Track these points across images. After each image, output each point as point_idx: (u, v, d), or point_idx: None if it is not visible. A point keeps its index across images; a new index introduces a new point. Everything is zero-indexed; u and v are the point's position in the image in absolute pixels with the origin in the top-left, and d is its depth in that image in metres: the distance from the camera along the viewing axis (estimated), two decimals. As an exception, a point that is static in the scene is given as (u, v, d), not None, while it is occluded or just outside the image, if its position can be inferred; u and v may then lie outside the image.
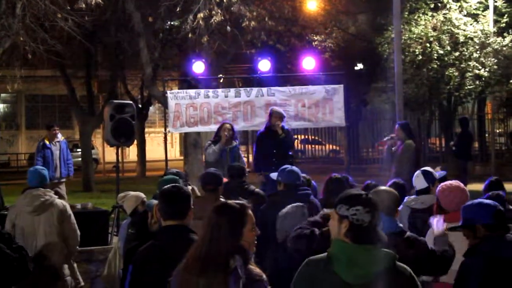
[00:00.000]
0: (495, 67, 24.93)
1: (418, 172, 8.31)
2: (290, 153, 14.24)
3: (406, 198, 8.52)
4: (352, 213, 4.34)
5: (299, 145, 40.03)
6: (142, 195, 8.66)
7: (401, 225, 6.03)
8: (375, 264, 4.24)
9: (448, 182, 6.64)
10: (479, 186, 10.08)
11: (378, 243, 4.33)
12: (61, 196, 14.55)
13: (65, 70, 27.71)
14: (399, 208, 8.40)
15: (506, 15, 25.73)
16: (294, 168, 8.68)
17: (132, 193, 8.77)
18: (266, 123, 14.38)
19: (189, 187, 8.80)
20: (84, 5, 16.94)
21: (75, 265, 9.50)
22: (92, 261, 11.62)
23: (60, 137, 17.08)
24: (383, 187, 6.20)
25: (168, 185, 5.74)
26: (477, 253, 5.25)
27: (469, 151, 21.14)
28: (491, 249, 5.16)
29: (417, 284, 4.42)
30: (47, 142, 16.78)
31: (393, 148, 13.87)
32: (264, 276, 4.52)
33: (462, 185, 6.63)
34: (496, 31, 25.45)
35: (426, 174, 8.15)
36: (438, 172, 8.77)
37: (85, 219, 11.93)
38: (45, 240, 8.86)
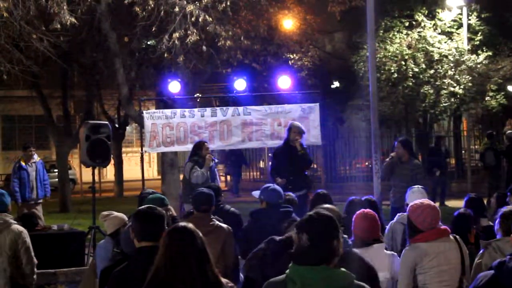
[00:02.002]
0: (470, 84, 25.14)
1: (415, 188, 8.41)
2: (306, 172, 13.91)
3: (398, 215, 8.60)
4: (296, 233, 4.40)
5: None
6: (125, 217, 8.59)
7: (349, 240, 6.08)
8: (328, 284, 4.25)
9: (418, 201, 6.65)
10: (456, 203, 10.20)
11: (327, 262, 4.31)
12: (38, 217, 14.48)
13: (41, 91, 27.57)
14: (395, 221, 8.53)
15: (480, 33, 25.98)
16: (277, 187, 8.77)
17: (115, 213, 8.70)
18: (284, 138, 13.98)
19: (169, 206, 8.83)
20: (59, 25, 16.87)
21: None
22: (68, 283, 11.56)
23: (36, 157, 17.01)
24: (325, 205, 6.24)
25: (143, 206, 5.73)
26: None
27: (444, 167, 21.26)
28: None
29: None
30: (23, 163, 16.72)
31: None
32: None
33: (432, 202, 6.66)
34: (470, 48, 25.68)
35: (423, 191, 8.30)
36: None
37: (62, 240, 11.90)
38: None
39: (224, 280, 4.64)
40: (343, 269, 4.34)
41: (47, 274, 10.90)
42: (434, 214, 6.49)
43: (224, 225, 8.30)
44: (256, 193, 8.96)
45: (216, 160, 13.88)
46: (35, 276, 8.95)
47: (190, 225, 4.71)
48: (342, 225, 5.56)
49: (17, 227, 8.81)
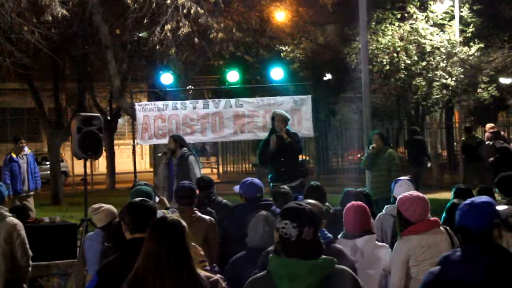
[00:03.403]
0: (462, 76, 25.14)
1: (401, 180, 8.36)
2: (300, 160, 13.63)
3: (386, 207, 8.58)
4: (281, 226, 4.37)
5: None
6: (115, 210, 8.56)
7: (329, 235, 6.07)
8: (316, 274, 4.26)
9: (407, 194, 6.64)
10: (448, 195, 10.22)
11: (315, 256, 4.31)
12: (29, 210, 14.44)
13: (32, 83, 27.49)
14: (383, 213, 8.52)
15: (472, 25, 25.96)
16: (255, 180, 8.66)
17: (105, 206, 8.66)
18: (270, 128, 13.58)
19: (157, 199, 8.81)
20: (50, 18, 16.84)
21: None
22: (60, 275, 11.52)
23: (27, 150, 16.98)
24: (308, 200, 6.24)
25: (136, 199, 5.75)
26: None
27: (419, 159, 21.31)
28: None
29: (359, 283, 4.46)
30: (14, 156, 16.68)
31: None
32: (222, 281, 4.63)
33: (421, 194, 6.65)
34: (462, 40, 25.67)
35: (408, 184, 8.24)
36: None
37: (53, 233, 11.84)
38: None
39: (207, 274, 4.62)
40: (324, 256, 4.35)
41: (39, 267, 10.84)
42: (424, 206, 6.49)
43: (207, 217, 8.27)
44: (237, 188, 8.93)
45: (184, 150, 13.62)
46: (30, 269, 8.92)
47: (172, 218, 4.70)
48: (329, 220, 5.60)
49: (12, 219, 8.72)
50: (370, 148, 13.94)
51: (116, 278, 5.25)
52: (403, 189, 7.96)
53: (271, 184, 12.83)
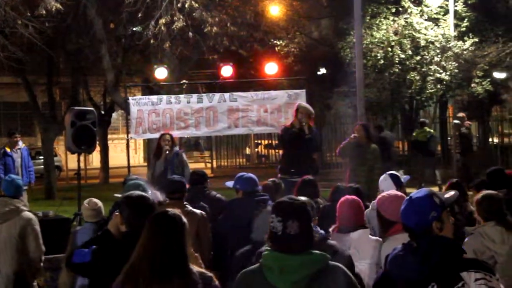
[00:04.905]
0: (456, 70, 25.14)
1: (385, 175, 8.26)
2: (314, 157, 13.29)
3: (373, 202, 8.53)
4: (270, 220, 4.39)
5: (263, 150, 40.04)
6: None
7: (321, 231, 6.04)
8: (307, 268, 4.27)
9: (386, 193, 6.57)
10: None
11: (303, 250, 4.31)
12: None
13: (26, 77, 27.44)
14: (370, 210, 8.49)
15: (466, 19, 25.96)
16: (251, 175, 8.66)
17: (93, 201, 8.69)
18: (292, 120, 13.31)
19: (149, 192, 8.78)
20: (44, 12, 16.82)
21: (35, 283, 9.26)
22: (53, 269, 11.51)
23: (21, 144, 16.95)
24: (298, 198, 6.22)
25: (134, 194, 5.69)
26: None
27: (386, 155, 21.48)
28: None
29: (352, 280, 4.47)
30: (8, 150, 16.65)
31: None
32: (215, 279, 4.59)
33: (399, 193, 6.57)
34: (456, 35, 25.67)
35: (394, 178, 8.12)
36: (403, 177, 8.75)
37: (47, 227, 11.80)
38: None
39: (201, 270, 4.60)
40: (317, 251, 4.35)
41: (32, 261, 10.85)
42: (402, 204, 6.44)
43: (198, 211, 8.25)
44: (230, 183, 8.90)
45: (176, 148, 13.62)
46: (42, 264, 8.97)
47: (174, 213, 4.66)
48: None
49: (27, 214, 8.87)
50: (352, 137, 13.49)
51: (107, 265, 5.24)
52: (389, 183, 7.93)
53: (279, 175, 12.50)
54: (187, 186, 9.00)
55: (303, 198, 6.23)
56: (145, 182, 8.83)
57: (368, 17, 25.71)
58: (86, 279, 7.87)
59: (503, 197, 7.27)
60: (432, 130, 24.87)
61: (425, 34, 25.38)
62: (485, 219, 6.99)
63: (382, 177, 8.24)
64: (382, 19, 25.90)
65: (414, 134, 23.51)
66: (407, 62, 25.32)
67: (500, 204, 6.94)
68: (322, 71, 33.03)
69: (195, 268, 4.55)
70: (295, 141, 12.76)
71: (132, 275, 4.46)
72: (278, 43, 26.85)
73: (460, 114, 23.16)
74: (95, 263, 5.53)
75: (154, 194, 8.88)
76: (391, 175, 8.13)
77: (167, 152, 13.12)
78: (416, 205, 4.39)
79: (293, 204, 4.44)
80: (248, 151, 40.45)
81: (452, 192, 6.15)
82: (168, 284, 4.39)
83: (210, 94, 17.16)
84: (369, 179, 12.64)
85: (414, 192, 4.54)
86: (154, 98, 16.69)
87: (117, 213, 5.66)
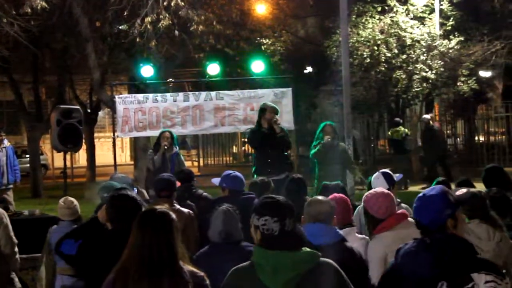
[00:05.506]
0: (442, 69, 25.23)
1: (378, 173, 8.21)
2: (286, 153, 13.11)
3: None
4: (261, 223, 4.37)
5: (250, 148, 39.99)
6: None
7: (341, 232, 6.01)
8: (298, 267, 4.28)
9: (372, 191, 6.59)
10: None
11: (298, 247, 4.34)
12: (8, 203, 14.39)
13: (11, 76, 27.33)
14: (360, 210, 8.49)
15: (451, 18, 26.04)
16: (238, 174, 8.66)
17: (69, 200, 8.70)
18: (257, 120, 13.08)
19: (135, 190, 8.78)
20: (30, 10, 16.75)
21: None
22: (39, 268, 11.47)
23: (6, 143, 16.88)
24: (317, 197, 6.17)
25: (118, 193, 5.66)
26: None
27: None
28: None
29: (344, 278, 4.46)
30: (-7, 148, 16.58)
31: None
32: (206, 277, 4.58)
33: (385, 190, 6.58)
34: (442, 34, 25.76)
35: (386, 176, 8.08)
36: (396, 175, 8.72)
37: (33, 226, 11.80)
38: None
39: (192, 269, 4.59)
40: (307, 249, 4.36)
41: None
42: (389, 201, 6.43)
43: (185, 210, 8.24)
44: (216, 180, 8.88)
45: (177, 148, 13.63)
46: (17, 257, 8.92)
47: (161, 210, 4.65)
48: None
49: None
50: (326, 139, 13.13)
51: (93, 260, 5.24)
52: (381, 182, 7.91)
53: (254, 176, 12.17)
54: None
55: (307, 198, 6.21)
56: (129, 181, 8.84)
57: (354, 16, 25.77)
58: (69, 279, 7.91)
59: (487, 194, 7.28)
60: (406, 130, 25.09)
61: (411, 33, 25.46)
62: (469, 217, 7.02)
63: (374, 175, 8.19)
64: (368, 18, 25.96)
65: (389, 133, 23.87)
66: (393, 61, 25.39)
67: (483, 202, 6.96)
68: (309, 69, 33.06)
69: (186, 267, 4.53)
70: (268, 141, 12.66)
71: (122, 274, 4.46)
72: (264, 41, 26.89)
73: (428, 116, 24.00)
74: (80, 257, 5.52)
75: (141, 193, 8.90)
76: (384, 173, 8.09)
77: (166, 148, 13.11)
78: (430, 202, 4.37)
79: (283, 203, 4.45)
80: (235, 149, 40.44)
81: (464, 190, 6.16)
82: (157, 283, 4.38)
83: (197, 92, 17.15)
84: (338, 177, 12.57)
85: (427, 190, 4.51)
86: (140, 96, 16.67)
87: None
